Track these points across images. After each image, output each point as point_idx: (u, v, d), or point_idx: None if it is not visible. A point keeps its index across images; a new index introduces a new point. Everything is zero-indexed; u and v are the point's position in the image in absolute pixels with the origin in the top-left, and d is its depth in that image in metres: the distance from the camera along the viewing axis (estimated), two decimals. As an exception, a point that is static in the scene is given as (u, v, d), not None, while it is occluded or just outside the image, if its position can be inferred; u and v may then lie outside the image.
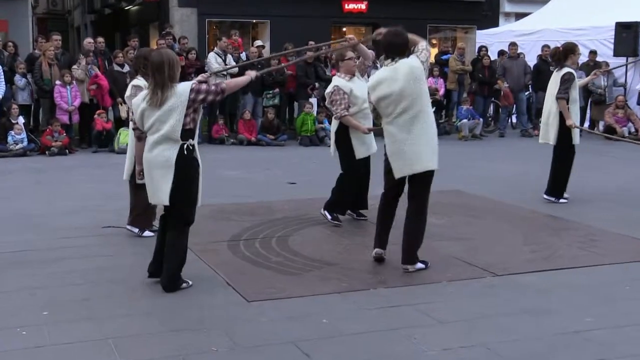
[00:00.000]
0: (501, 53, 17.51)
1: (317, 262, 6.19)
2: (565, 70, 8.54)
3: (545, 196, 8.80)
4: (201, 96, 5.24)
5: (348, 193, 7.53)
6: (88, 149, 13.90)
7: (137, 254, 6.32)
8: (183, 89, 5.22)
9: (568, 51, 8.64)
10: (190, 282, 5.51)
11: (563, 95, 8.48)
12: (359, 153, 7.38)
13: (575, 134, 8.62)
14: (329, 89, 7.35)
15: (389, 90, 5.73)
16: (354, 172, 7.45)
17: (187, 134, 5.24)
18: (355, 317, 4.88)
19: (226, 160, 12.32)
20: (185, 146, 5.24)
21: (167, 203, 5.30)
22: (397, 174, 5.85)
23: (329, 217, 7.51)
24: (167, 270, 5.40)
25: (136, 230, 7.05)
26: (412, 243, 5.88)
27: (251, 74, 5.72)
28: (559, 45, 9.17)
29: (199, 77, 5.57)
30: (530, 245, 6.77)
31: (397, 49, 5.77)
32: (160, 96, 5.21)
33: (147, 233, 6.94)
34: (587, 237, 7.04)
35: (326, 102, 7.40)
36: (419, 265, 5.93)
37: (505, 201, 8.83)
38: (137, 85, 6.73)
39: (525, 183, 9.53)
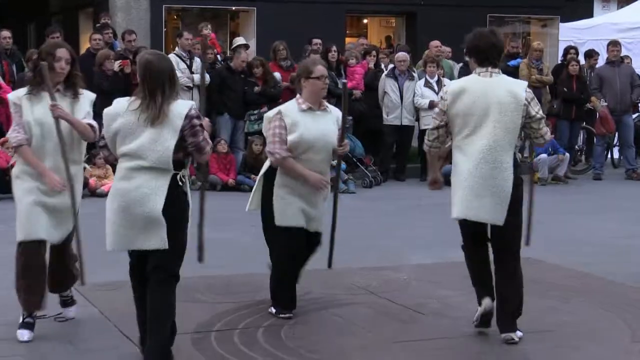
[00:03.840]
0: (588, 55, 17.53)
1: (325, 364, 6.21)
2: None
3: None
4: (193, 130, 5.90)
5: (275, 279, 7.46)
6: (-14, 195, 13.98)
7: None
8: (179, 110, 5.86)
9: None
10: None
11: None
12: (282, 219, 7.30)
13: None
14: (270, 112, 7.36)
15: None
16: (283, 248, 7.39)
17: (177, 164, 5.95)
18: None
19: (191, 213, 12.29)
20: (178, 177, 5.97)
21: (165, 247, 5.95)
22: None
23: (272, 310, 7.39)
24: (155, 342, 5.76)
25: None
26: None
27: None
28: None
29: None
30: (641, 343, 6.77)
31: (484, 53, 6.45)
32: (156, 111, 5.77)
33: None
34: None
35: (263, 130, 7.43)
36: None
37: (604, 277, 8.83)
38: None
39: (634, 250, 9.53)
